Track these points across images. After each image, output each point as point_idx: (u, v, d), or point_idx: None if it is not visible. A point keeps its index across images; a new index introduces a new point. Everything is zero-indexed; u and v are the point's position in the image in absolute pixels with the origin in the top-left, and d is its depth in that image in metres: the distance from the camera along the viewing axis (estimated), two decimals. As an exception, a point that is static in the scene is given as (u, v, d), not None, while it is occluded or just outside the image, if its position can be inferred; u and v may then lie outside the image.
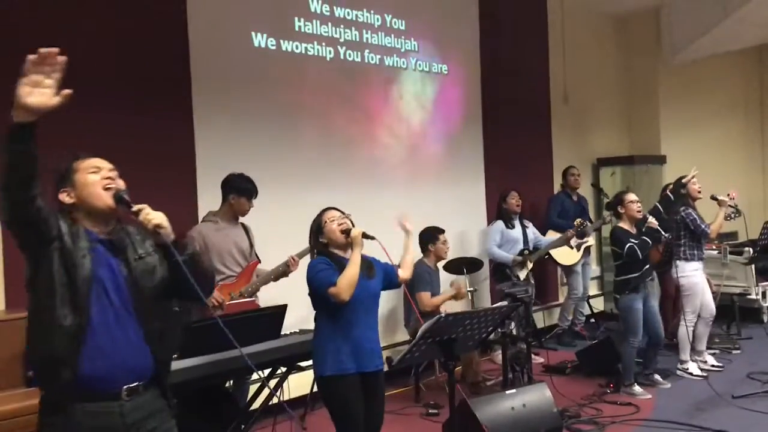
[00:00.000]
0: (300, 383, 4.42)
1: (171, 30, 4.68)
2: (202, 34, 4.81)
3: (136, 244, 2.27)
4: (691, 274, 5.60)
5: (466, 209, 6.68)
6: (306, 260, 4.39)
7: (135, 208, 2.18)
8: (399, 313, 5.69)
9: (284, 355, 3.55)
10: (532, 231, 6.50)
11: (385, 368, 3.44)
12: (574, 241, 6.81)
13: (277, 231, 4.90)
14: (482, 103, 7.00)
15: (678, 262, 5.63)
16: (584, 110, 8.23)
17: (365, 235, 3.26)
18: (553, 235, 6.76)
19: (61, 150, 2.23)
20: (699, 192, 5.67)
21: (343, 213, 3.40)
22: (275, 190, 5.04)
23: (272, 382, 3.75)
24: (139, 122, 4.46)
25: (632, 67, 8.79)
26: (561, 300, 7.54)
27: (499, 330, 5.18)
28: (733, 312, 7.06)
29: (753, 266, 7.14)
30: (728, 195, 5.66)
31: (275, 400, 3.69)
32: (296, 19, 5.41)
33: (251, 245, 4.49)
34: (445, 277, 5.76)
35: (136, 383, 2.17)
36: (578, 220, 6.65)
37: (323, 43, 5.59)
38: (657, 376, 5.46)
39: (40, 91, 1.85)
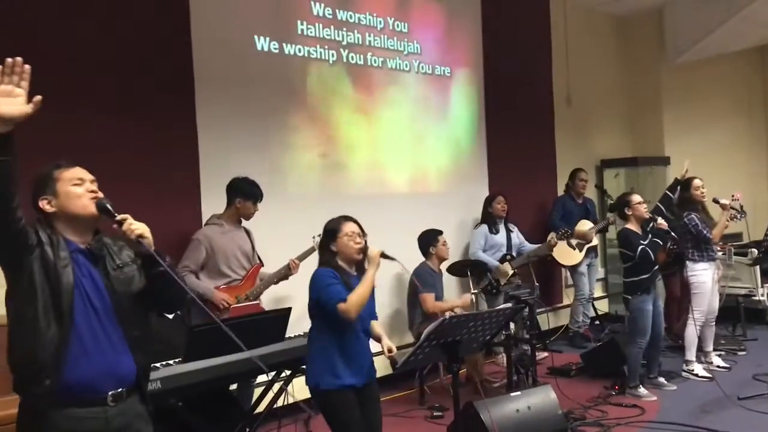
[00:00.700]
0: (304, 386, 4.41)
1: (173, 34, 4.68)
2: (204, 38, 4.82)
3: (114, 254, 2.28)
4: (700, 273, 5.61)
5: (469, 212, 6.67)
6: (306, 263, 4.45)
7: (118, 217, 2.18)
8: (403, 316, 5.68)
9: (289, 357, 3.56)
10: (516, 235, 6.49)
11: (390, 371, 3.44)
12: (575, 241, 6.80)
13: (277, 234, 4.91)
14: (485, 104, 6.99)
15: (687, 262, 5.65)
16: (587, 112, 8.22)
17: (385, 256, 3.24)
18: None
19: (42, 156, 2.23)
20: (703, 196, 5.68)
21: (362, 230, 3.33)
22: (277, 192, 5.05)
23: (277, 385, 3.76)
24: (143, 126, 4.47)
25: (635, 68, 8.77)
26: (566, 302, 7.53)
27: (503, 332, 5.18)
28: (738, 313, 7.04)
29: (758, 267, 7.12)
30: (732, 196, 5.65)
31: (280, 403, 3.70)
32: (299, 22, 5.42)
33: (253, 248, 4.51)
34: (447, 279, 5.75)
35: (121, 389, 2.19)
36: (580, 227, 6.64)
37: (326, 46, 5.59)
38: (662, 379, 5.44)
39: (11, 101, 1.87)
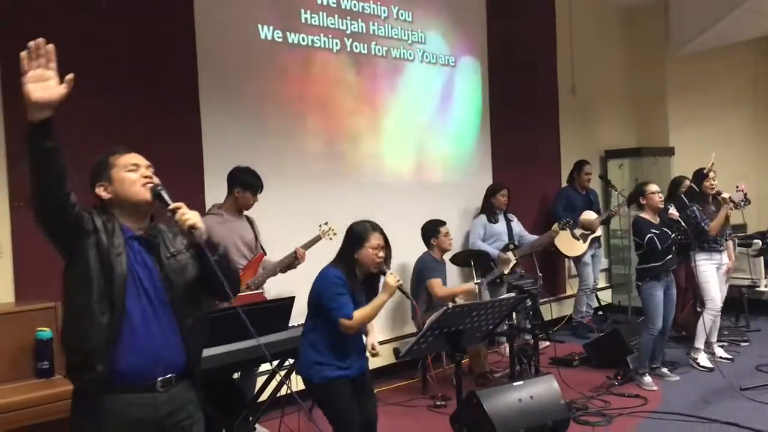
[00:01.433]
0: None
1: (177, 23, 4.67)
2: (208, 26, 4.80)
3: (168, 241, 2.28)
4: (701, 263, 5.64)
5: (472, 202, 6.66)
6: (312, 251, 4.45)
7: (172, 205, 2.18)
8: (406, 306, 5.69)
9: (292, 346, 3.56)
10: (516, 224, 6.49)
11: (393, 360, 3.46)
12: (578, 232, 6.80)
13: (282, 223, 4.92)
14: (490, 94, 6.97)
15: (692, 252, 5.68)
16: (592, 102, 8.19)
17: (402, 290, 3.26)
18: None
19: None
20: (712, 188, 5.69)
21: (386, 242, 3.32)
22: (281, 182, 5.05)
23: (279, 375, 3.77)
24: (146, 115, 4.47)
25: (640, 58, 8.73)
26: (570, 292, 7.54)
27: (507, 322, 5.19)
28: (741, 304, 7.04)
29: (761, 258, 7.11)
30: (737, 187, 5.63)
31: (284, 391, 3.71)
32: (302, 11, 5.40)
33: (256, 238, 4.49)
34: (450, 270, 5.76)
35: (170, 375, 2.20)
36: (585, 216, 6.65)
37: (330, 35, 5.58)
38: (665, 370, 5.45)
39: (45, 85, 1.84)
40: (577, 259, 7.07)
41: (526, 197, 7.04)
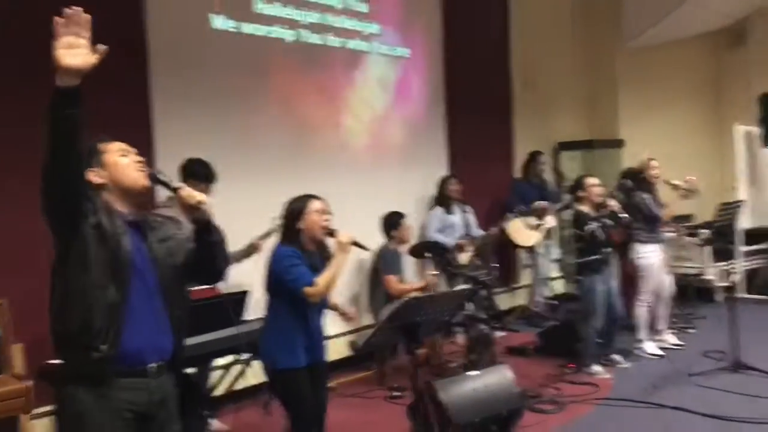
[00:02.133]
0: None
1: (127, 12, 4.56)
2: (159, 16, 4.70)
3: (157, 228, 2.28)
4: (646, 255, 5.73)
5: (428, 191, 6.69)
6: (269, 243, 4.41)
7: (176, 185, 2.21)
8: (363, 297, 5.69)
9: (247, 341, 3.53)
10: (471, 217, 6.56)
11: (349, 353, 3.46)
12: (533, 222, 6.90)
13: (238, 216, 4.84)
14: (445, 86, 7.00)
15: (635, 244, 5.75)
16: (545, 95, 8.28)
17: (356, 244, 3.22)
18: (510, 220, 6.87)
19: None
20: (657, 177, 5.81)
21: (328, 209, 3.31)
22: (237, 174, 4.98)
23: (235, 369, 3.74)
24: (94, 108, 4.33)
25: (593, 51, 8.87)
26: (524, 282, 7.64)
27: (462, 313, 5.24)
28: (688, 292, 7.24)
29: (708, 248, 7.32)
30: (685, 180, 5.78)
31: (240, 386, 3.68)
32: (256, 0, 5.33)
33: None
34: (406, 261, 5.77)
35: (161, 362, 2.18)
36: (540, 202, 6.77)
37: (285, 26, 5.52)
38: (616, 356, 5.57)
39: (77, 52, 1.84)
40: (531, 250, 7.17)
41: (481, 188, 7.09)
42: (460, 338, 6.02)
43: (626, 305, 6.33)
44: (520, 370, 5.03)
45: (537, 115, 8.18)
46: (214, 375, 4.15)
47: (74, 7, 1.85)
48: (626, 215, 5.36)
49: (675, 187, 5.71)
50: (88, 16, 1.87)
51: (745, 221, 7.60)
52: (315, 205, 3.25)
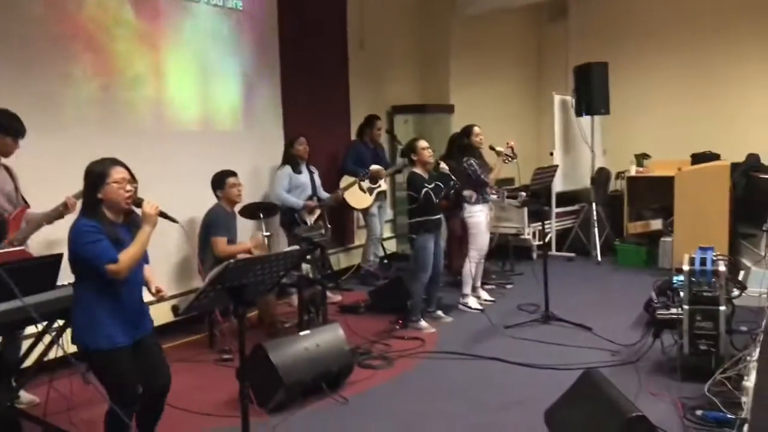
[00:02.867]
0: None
1: None
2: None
3: None
4: (475, 214, 6.06)
5: (263, 152, 6.58)
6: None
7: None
8: (191, 261, 5.51)
9: (61, 306, 3.29)
10: (317, 177, 6.60)
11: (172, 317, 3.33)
12: (366, 185, 7.03)
13: (46, 172, 4.48)
14: (279, 43, 6.84)
15: (465, 204, 6.07)
16: (381, 58, 8.37)
17: (164, 215, 3.05)
18: (347, 182, 6.95)
19: None
20: (481, 142, 6.15)
21: (132, 176, 3.08)
22: (51, 127, 4.59)
23: (48, 337, 3.48)
24: None
25: (428, 17, 9.06)
26: (357, 242, 7.79)
27: (296, 273, 5.24)
28: (507, 251, 7.77)
29: (526, 209, 7.87)
30: (507, 144, 6.12)
31: (53, 355, 3.43)
32: (71, -63, 4.87)
33: (17, 189, 4.07)
34: (241, 222, 5.66)
35: None
36: (374, 167, 6.90)
37: (104, -32, 5.10)
38: (440, 313, 5.87)
39: None
40: (365, 211, 7.30)
41: (317, 150, 7.05)
42: (294, 299, 6.05)
43: (451, 263, 6.69)
44: (351, 329, 5.18)
45: (372, 77, 8.26)
46: (25, 344, 3.85)
47: None
48: (455, 180, 5.63)
49: (498, 153, 6.04)
50: None
51: (558, 185, 8.24)
52: (116, 173, 2.99)
